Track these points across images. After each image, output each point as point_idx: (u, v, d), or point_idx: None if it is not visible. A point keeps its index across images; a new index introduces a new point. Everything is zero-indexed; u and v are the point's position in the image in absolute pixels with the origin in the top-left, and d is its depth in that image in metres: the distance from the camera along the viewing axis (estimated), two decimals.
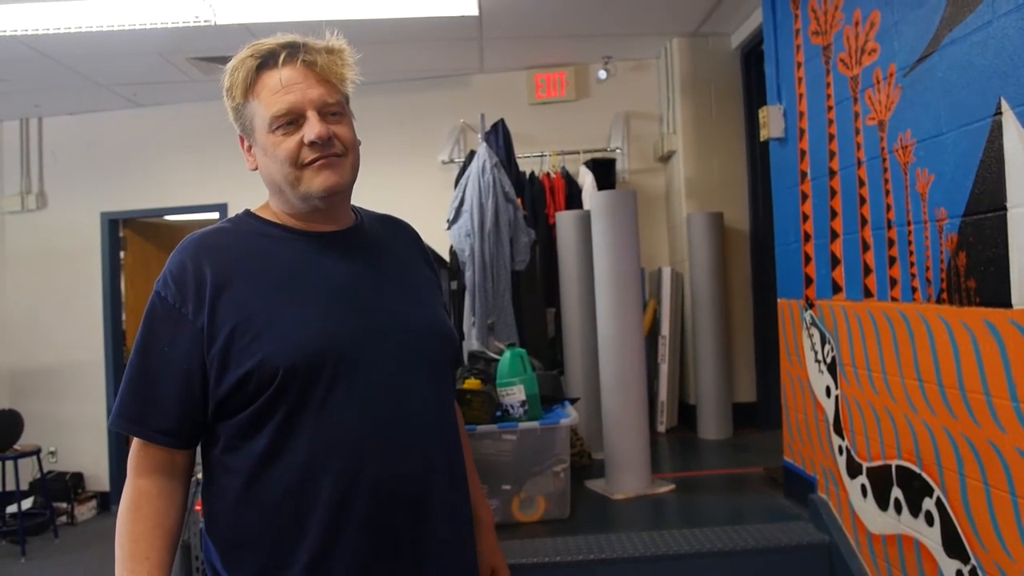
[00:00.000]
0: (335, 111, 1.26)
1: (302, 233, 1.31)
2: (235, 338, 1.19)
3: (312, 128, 1.22)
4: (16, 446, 5.00)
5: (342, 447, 1.20)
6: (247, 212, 1.36)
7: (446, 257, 4.26)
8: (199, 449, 1.29)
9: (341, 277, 1.28)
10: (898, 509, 2.07)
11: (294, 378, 1.18)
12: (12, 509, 5.04)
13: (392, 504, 1.22)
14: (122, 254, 5.70)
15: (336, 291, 1.27)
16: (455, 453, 1.35)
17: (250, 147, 1.31)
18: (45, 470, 5.21)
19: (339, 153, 1.26)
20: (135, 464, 1.23)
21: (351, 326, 1.24)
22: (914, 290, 1.96)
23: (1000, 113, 1.61)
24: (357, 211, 1.43)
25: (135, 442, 1.24)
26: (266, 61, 1.24)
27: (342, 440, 1.20)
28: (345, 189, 1.29)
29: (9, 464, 5.05)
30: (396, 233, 1.48)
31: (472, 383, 2.87)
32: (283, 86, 1.22)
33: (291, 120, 1.23)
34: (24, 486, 5.15)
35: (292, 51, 1.24)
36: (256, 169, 1.31)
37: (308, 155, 1.23)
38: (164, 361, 1.21)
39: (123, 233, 5.73)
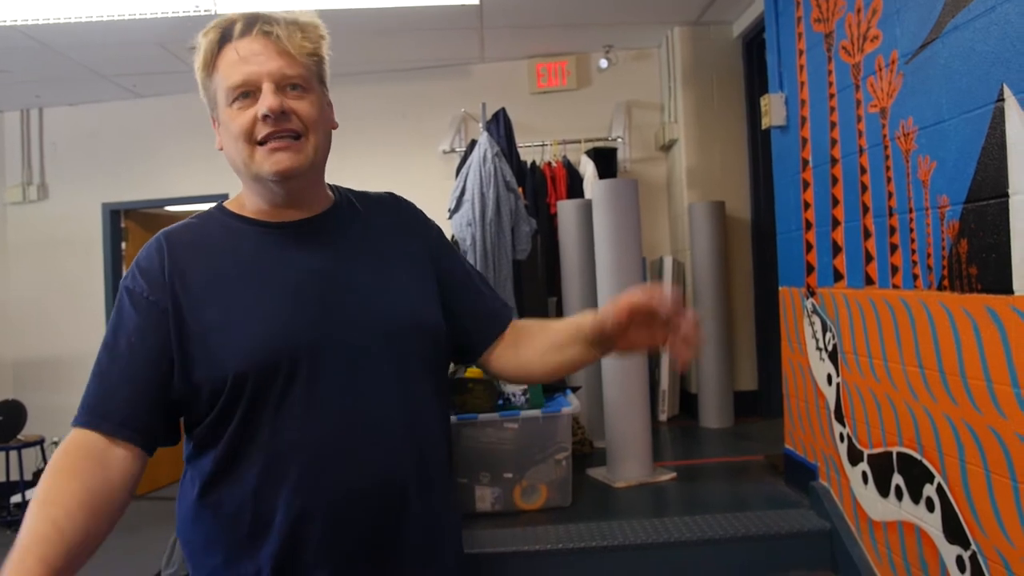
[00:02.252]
0: (296, 84, 1.17)
1: (266, 225, 1.23)
2: (192, 340, 1.14)
3: (264, 100, 1.13)
4: (19, 436, 5.02)
5: (299, 456, 1.13)
6: (218, 205, 1.30)
7: None
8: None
9: (304, 270, 1.20)
10: (899, 496, 2.08)
11: (245, 384, 1.12)
12: (16, 499, 5.07)
13: (356, 512, 1.16)
14: (124, 245, 5.70)
15: (297, 286, 1.19)
16: (430, 454, 1.25)
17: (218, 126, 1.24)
18: (48, 460, 5.23)
19: (296, 132, 1.17)
20: (65, 448, 1.11)
21: (311, 325, 1.17)
22: (915, 277, 1.96)
23: (1002, 99, 1.60)
24: (339, 192, 1.35)
25: (72, 432, 1.12)
26: (227, 34, 1.17)
27: (299, 448, 1.14)
28: (301, 173, 1.18)
29: (13, 454, 5.08)
30: (387, 213, 1.38)
31: (474, 371, 2.87)
32: (240, 57, 1.15)
33: (246, 92, 1.15)
34: (28, 476, 5.17)
35: (250, 22, 1.17)
36: (222, 149, 1.24)
37: (261, 130, 1.15)
38: (131, 353, 1.14)
39: (124, 224, 5.72)
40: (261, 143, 1.15)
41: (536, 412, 2.73)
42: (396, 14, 3.97)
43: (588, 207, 3.52)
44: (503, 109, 4.45)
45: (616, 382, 3.11)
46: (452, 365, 3.23)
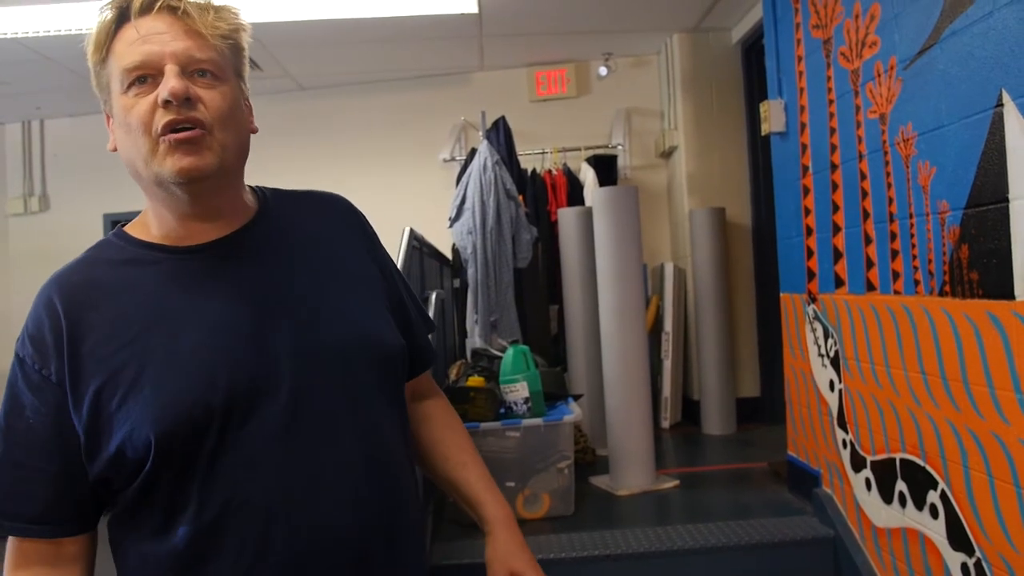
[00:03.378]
0: (207, 70, 0.99)
1: (173, 251, 1.04)
2: (101, 404, 0.96)
3: (166, 83, 0.95)
4: None
5: (238, 518, 0.97)
6: (117, 231, 1.10)
7: (448, 255, 4.27)
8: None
9: (223, 304, 1.02)
10: (903, 502, 2.07)
11: (172, 446, 0.95)
12: None
13: (315, 572, 1.00)
14: None
15: (216, 325, 1.00)
16: (395, 489, 1.10)
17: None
18: None
19: (202, 125, 0.97)
20: (13, 561, 1.00)
21: (238, 366, 0.99)
22: (917, 283, 1.96)
23: (1001, 105, 1.60)
24: (262, 196, 1.15)
25: (10, 541, 1.01)
26: (126, 12, 0.99)
27: (237, 510, 0.97)
28: (207, 175, 0.98)
29: None
30: (322, 215, 1.18)
31: (476, 380, 2.87)
32: (139, 36, 0.97)
33: (145, 75, 0.97)
34: None
35: None
36: (116, 150, 1.05)
37: (161, 119, 0.95)
38: (31, 435, 0.98)
39: None
40: (162, 135, 0.96)
41: (538, 421, 2.72)
42: (395, 23, 3.98)
43: (589, 214, 3.52)
44: (503, 117, 4.46)
45: (618, 390, 3.11)
46: (454, 374, 3.24)
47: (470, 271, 3.83)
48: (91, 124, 5.46)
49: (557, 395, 3.04)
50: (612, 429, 3.12)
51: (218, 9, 1.02)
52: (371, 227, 1.25)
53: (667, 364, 4.45)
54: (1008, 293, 1.60)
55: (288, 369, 1.01)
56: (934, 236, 1.87)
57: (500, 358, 2.91)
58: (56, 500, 1.00)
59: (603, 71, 4.89)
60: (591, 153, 4.85)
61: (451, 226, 3.96)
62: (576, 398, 3.13)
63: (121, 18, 1.00)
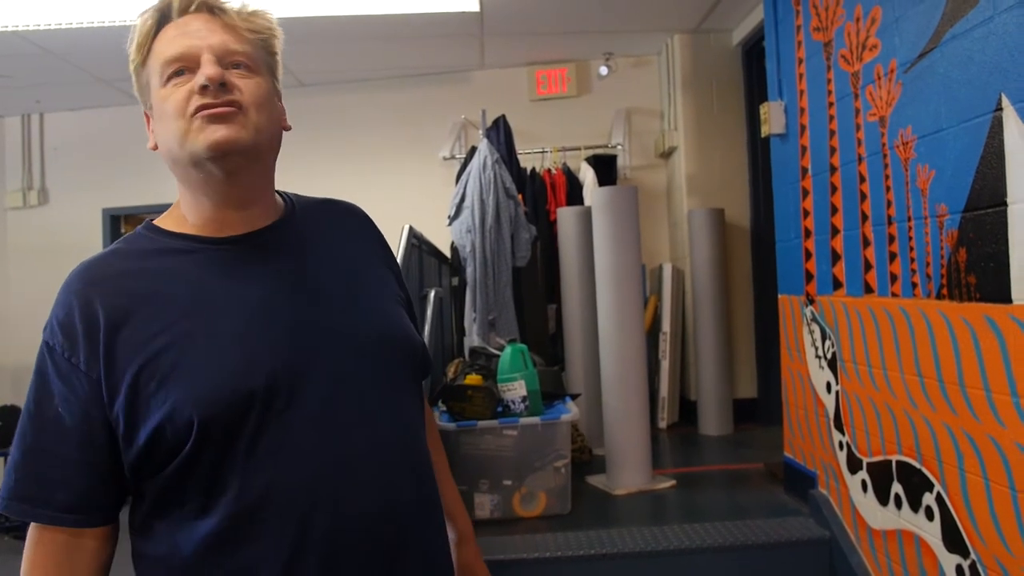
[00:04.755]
0: (241, 62, 1.04)
1: (210, 241, 1.07)
2: (140, 386, 0.98)
3: (203, 70, 0.99)
4: None
5: (279, 500, 0.99)
6: (147, 224, 1.12)
7: (447, 253, 4.27)
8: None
9: (261, 292, 1.05)
10: (898, 504, 2.08)
11: (214, 427, 0.97)
12: None
13: (353, 553, 1.02)
14: None
15: (256, 311, 1.03)
16: (427, 475, 1.15)
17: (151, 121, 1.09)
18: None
19: (238, 105, 1.01)
20: (31, 558, 1.01)
21: (278, 352, 1.02)
22: (914, 286, 1.96)
23: (1000, 109, 1.61)
24: (288, 199, 1.19)
25: (31, 529, 1.02)
26: (166, 14, 1.05)
27: (280, 491, 0.99)
28: (242, 148, 1.01)
29: None
30: (341, 221, 1.23)
31: (473, 379, 2.87)
32: (179, 32, 1.03)
33: (183, 67, 1.01)
34: None
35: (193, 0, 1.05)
36: (156, 148, 1.08)
37: (196, 102, 0.99)
38: (60, 424, 1.00)
39: (124, 229, 5.72)
40: (195, 114, 0.99)
41: (535, 419, 2.73)
42: (396, 21, 3.98)
43: (588, 214, 3.52)
44: (503, 116, 4.46)
45: (615, 389, 3.11)
46: (452, 372, 3.24)
47: (469, 269, 3.83)
48: (91, 118, 5.47)
49: (555, 394, 3.04)
50: (609, 428, 3.12)
51: (253, 11, 1.08)
52: (383, 236, 1.30)
53: (665, 364, 4.46)
54: (1005, 297, 1.61)
55: (325, 356, 1.05)
56: (932, 239, 1.88)
57: (498, 356, 2.92)
58: (84, 489, 1.00)
59: (603, 71, 4.89)
60: (591, 153, 4.86)
61: (450, 224, 3.96)
62: (573, 397, 3.13)
63: (161, 21, 1.05)
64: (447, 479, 1.36)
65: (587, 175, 4.72)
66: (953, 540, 1.84)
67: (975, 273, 1.71)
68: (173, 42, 1.02)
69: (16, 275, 5.55)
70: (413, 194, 4.96)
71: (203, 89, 0.99)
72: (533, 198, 4.61)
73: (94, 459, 1.00)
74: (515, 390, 2.77)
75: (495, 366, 2.89)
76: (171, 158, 1.04)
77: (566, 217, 3.89)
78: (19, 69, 4.52)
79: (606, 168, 4.80)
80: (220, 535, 0.99)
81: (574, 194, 4.72)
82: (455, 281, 4.22)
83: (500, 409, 2.81)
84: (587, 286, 3.54)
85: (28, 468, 1.01)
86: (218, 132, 0.99)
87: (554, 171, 4.79)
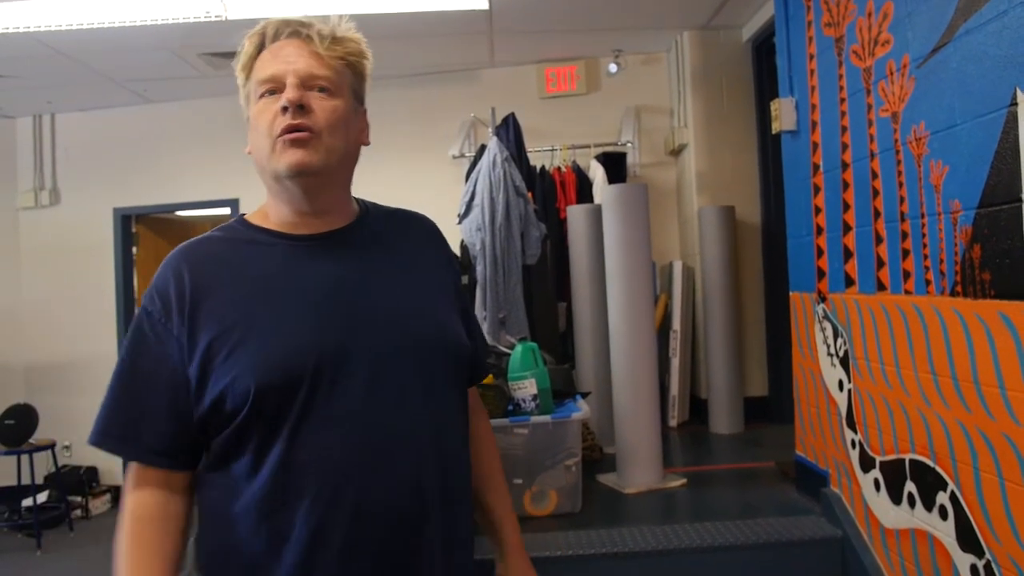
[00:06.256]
0: (323, 87, 1.19)
1: (288, 237, 1.24)
2: (212, 354, 1.14)
3: (286, 93, 1.16)
4: (31, 440, 5.05)
5: (317, 470, 1.13)
6: (240, 218, 1.31)
7: (457, 251, 4.27)
8: None
9: (325, 283, 1.20)
10: (912, 503, 2.06)
11: (268, 397, 1.12)
12: (27, 503, 5.09)
13: (375, 529, 1.15)
14: (135, 249, 5.73)
15: (318, 299, 1.19)
16: (453, 468, 1.26)
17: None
18: (60, 464, 5.26)
19: (312, 130, 1.16)
20: (132, 483, 1.18)
21: (332, 337, 1.16)
22: (928, 283, 1.95)
23: (1015, 104, 1.59)
24: (364, 205, 1.35)
25: (128, 474, 1.19)
26: (264, 40, 1.23)
27: (318, 462, 1.13)
28: (316, 171, 1.17)
29: (24, 458, 5.10)
30: (408, 229, 1.38)
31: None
32: (273, 55, 1.20)
33: (272, 89, 1.18)
34: (39, 480, 5.20)
35: (288, 25, 1.22)
36: (251, 153, 1.25)
37: (280, 123, 1.16)
38: (152, 378, 1.16)
39: (135, 229, 5.76)
40: (278, 136, 1.16)
41: (546, 418, 2.72)
42: (406, 19, 3.98)
43: (598, 212, 3.51)
44: (512, 114, 4.46)
45: (626, 387, 3.10)
46: None
47: (479, 268, 3.83)
48: (102, 119, 5.50)
49: (565, 392, 3.03)
50: (620, 427, 3.11)
51: (339, 38, 1.23)
52: (449, 247, 1.45)
53: (675, 362, 4.45)
54: (1020, 293, 1.59)
55: (373, 344, 1.18)
56: (946, 236, 1.86)
57: (508, 355, 2.91)
58: (172, 435, 1.16)
59: (613, 68, 4.88)
60: (600, 150, 4.85)
61: (460, 223, 3.96)
62: (584, 395, 3.13)
63: (261, 45, 1.22)
64: (498, 487, 1.46)
65: (597, 173, 4.71)
66: (967, 539, 1.82)
67: (989, 270, 1.69)
68: (267, 65, 1.19)
69: (28, 275, 5.59)
70: (423, 192, 4.95)
71: (284, 110, 1.15)
72: (543, 196, 4.60)
73: (180, 409, 1.15)
74: (525, 388, 2.77)
75: (505, 364, 2.89)
76: (259, 168, 1.22)
77: (576, 215, 3.88)
78: (30, 70, 4.55)
79: (616, 166, 4.79)
80: (263, 499, 1.13)
81: (584, 192, 4.72)
82: (465, 279, 4.22)
83: (511, 407, 2.81)
84: (597, 284, 3.53)
85: (121, 411, 1.17)
86: (295, 156, 1.15)
87: (564, 169, 4.79)
